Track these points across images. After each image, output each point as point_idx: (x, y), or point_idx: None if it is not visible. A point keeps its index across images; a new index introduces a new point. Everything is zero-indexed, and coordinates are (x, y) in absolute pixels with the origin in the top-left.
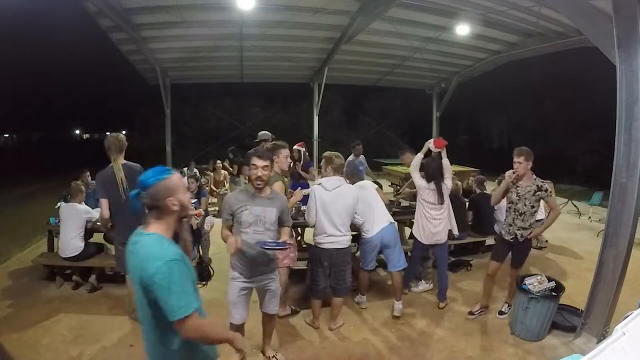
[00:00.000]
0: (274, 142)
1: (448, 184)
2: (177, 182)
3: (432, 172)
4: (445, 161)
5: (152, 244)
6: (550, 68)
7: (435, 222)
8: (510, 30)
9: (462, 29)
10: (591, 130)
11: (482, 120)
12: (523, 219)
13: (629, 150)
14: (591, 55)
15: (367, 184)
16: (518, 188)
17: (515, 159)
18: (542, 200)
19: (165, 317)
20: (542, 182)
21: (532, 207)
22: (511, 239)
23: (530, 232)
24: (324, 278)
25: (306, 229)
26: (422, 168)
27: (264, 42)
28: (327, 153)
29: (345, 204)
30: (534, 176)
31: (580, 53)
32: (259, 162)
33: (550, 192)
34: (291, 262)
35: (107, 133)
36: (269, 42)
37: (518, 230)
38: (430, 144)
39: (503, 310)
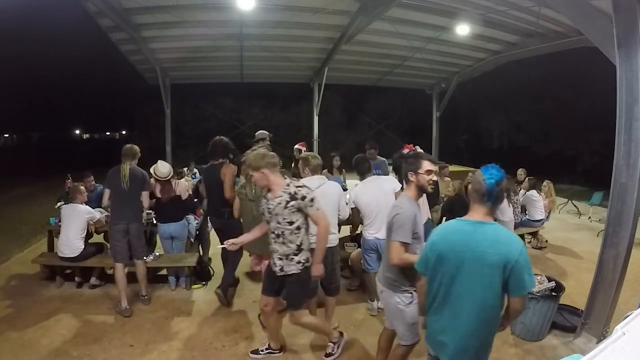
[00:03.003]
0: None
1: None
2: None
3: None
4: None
5: (502, 230)
6: (550, 68)
7: None
8: (510, 30)
9: (462, 29)
10: (591, 130)
11: (482, 120)
12: (283, 241)
13: (629, 150)
14: (591, 55)
15: (388, 186)
16: (269, 202)
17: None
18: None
19: (495, 298)
20: (299, 187)
21: (291, 223)
22: (278, 270)
23: (300, 263)
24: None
25: None
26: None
27: (264, 42)
28: (303, 154)
29: (331, 202)
30: (287, 181)
31: (580, 53)
32: (434, 167)
33: (312, 199)
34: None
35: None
36: (269, 42)
37: (279, 259)
38: None
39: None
